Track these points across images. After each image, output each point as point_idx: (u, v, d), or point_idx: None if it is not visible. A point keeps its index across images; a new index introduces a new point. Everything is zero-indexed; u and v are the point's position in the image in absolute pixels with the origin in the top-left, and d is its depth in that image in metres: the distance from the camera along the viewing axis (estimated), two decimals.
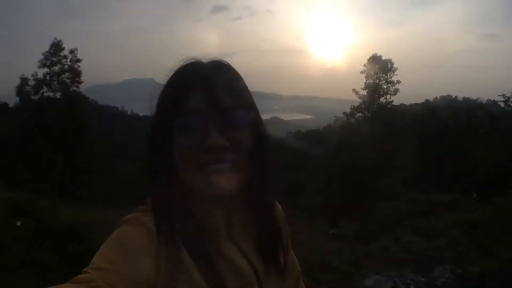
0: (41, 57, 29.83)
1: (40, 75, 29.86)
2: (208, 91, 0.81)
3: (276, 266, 0.94)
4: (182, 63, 0.87)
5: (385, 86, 28.28)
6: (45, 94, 30.01)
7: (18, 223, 8.15)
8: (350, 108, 29.85)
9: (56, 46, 30.01)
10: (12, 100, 32.94)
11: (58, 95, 30.06)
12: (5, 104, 39.61)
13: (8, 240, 6.93)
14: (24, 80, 29.91)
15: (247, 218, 0.92)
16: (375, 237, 9.45)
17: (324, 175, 25.58)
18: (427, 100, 44.33)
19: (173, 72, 0.87)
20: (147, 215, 0.82)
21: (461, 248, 7.45)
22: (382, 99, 28.31)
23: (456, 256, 7.07)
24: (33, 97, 29.82)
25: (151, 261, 0.74)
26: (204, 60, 0.88)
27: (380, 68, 28.47)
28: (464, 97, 57.10)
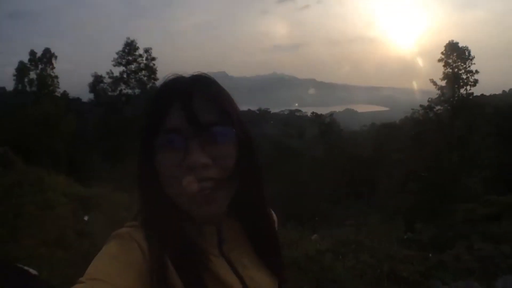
0: (115, 55, 31.63)
1: (116, 73, 31.76)
2: (187, 107, 0.79)
3: (281, 276, 0.96)
4: (164, 80, 0.86)
5: (464, 76, 26.38)
6: (124, 91, 31.87)
7: (86, 218, 8.33)
8: (428, 101, 28.16)
9: (130, 46, 31.77)
10: (85, 96, 35.45)
11: (136, 91, 31.83)
12: (79, 99, 42.82)
13: (71, 237, 7.12)
14: (98, 78, 32.04)
15: (242, 232, 0.93)
16: (449, 244, 9.05)
17: (401, 173, 24.55)
18: (504, 92, 40.72)
19: (157, 89, 0.86)
20: (138, 231, 0.81)
21: None
22: (462, 91, 26.43)
23: None
24: (110, 93, 31.81)
25: (142, 277, 0.74)
26: (185, 75, 0.86)
27: (458, 56, 26.61)
28: None
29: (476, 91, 27.03)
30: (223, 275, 0.84)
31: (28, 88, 31.02)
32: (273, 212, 1.03)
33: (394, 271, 6.56)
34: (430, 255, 7.70)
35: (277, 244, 0.98)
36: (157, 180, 0.81)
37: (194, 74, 0.86)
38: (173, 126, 0.79)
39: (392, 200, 22.55)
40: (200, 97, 0.80)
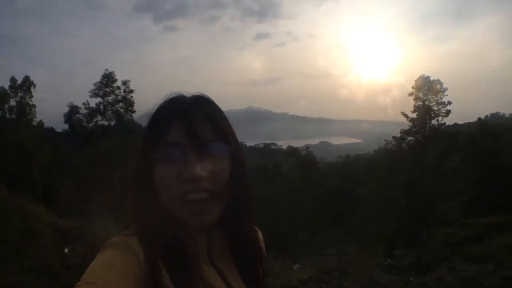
0: (92, 86, 31.16)
1: (92, 104, 31.33)
2: (188, 124, 0.86)
3: (262, 286, 0.99)
4: (165, 98, 0.93)
5: (435, 108, 27.29)
6: (100, 122, 31.44)
7: (66, 250, 8.29)
8: (400, 132, 28.94)
9: (108, 77, 31.36)
10: (59, 126, 34.90)
11: (112, 123, 31.36)
12: (52, 129, 42.08)
13: (56, 266, 7.12)
14: (74, 108, 31.57)
15: (227, 244, 0.97)
16: (430, 267, 9.22)
17: (377, 201, 24.91)
18: (479, 119, 42.40)
19: (157, 106, 0.92)
20: (132, 238, 0.85)
21: (508, 272, 7.27)
22: (433, 121, 27.32)
23: (502, 280, 6.94)
24: (85, 124, 31.35)
25: (137, 283, 0.77)
26: (186, 95, 0.93)
27: (429, 89, 27.54)
28: (510, 114, 54.70)
29: (452, 120, 27.80)
30: (214, 283, 0.88)
31: (8, 115, 30.49)
32: (259, 231, 1.09)
33: None
34: (411, 278, 7.80)
35: (258, 260, 1.01)
36: (154, 191, 0.86)
37: (195, 94, 0.94)
38: (173, 140, 0.85)
39: (370, 228, 22.75)
40: (199, 115, 0.88)
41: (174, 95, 0.93)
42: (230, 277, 0.92)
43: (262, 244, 1.09)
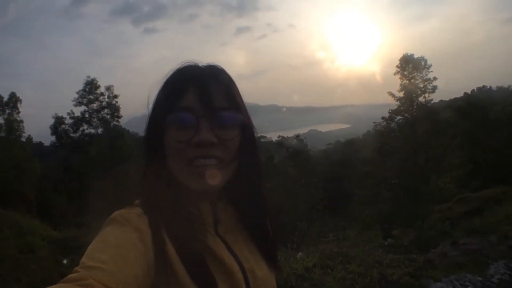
0: (75, 95, 30.87)
1: (77, 113, 30.99)
2: (202, 91, 0.86)
3: (274, 263, 0.99)
4: (180, 65, 0.93)
5: (422, 85, 27.36)
6: (86, 131, 31.08)
7: (65, 261, 8.23)
8: (389, 112, 29.05)
9: (91, 84, 31.10)
10: (47, 139, 34.47)
11: (99, 131, 31.11)
12: (41, 144, 41.50)
13: (56, 279, 7.10)
14: (59, 119, 31.19)
15: (236, 219, 0.95)
16: (432, 244, 9.23)
17: (372, 183, 24.94)
18: (465, 94, 42.70)
19: (171, 72, 0.92)
20: (132, 211, 0.83)
21: None
22: (421, 99, 27.41)
23: (508, 250, 7.02)
24: (72, 134, 30.97)
25: (139, 259, 0.75)
26: (200, 64, 0.94)
27: (414, 67, 27.63)
28: (497, 86, 55.20)
29: (439, 96, 28.03)
30: (220, 253, 0.87)
31: None
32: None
33: (384, 275, 6.57)
34: (414, 256, 7.76)
35: (270, 233, 1.01)
36: (163, 156, 0.87)
37: (209, 63, 0.94)
38: (187, 105, 0.85)
39: (367, 211, 22.76)
40: (213, 83, 0.88)
41: (188, 63, 0.93)
42: (237, 249, 0.91)
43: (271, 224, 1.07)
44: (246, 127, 0.91)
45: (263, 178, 1.00)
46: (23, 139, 30.94)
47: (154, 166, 0.88)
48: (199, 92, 0.86)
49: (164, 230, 0.82)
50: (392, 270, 6.83)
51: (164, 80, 0.92)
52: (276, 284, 1.01)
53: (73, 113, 31.19)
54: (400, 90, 27.83)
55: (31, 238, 9.05)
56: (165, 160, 0.87)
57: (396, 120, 28.31)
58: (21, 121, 30.88)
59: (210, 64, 0.94)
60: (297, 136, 42.53)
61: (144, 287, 0.74)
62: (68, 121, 31.22)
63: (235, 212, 0.96)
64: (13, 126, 30.19)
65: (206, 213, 0.91)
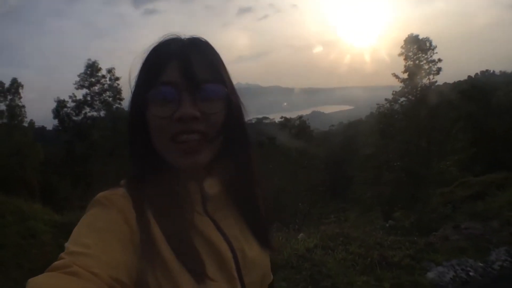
0: (77, 79, 30.64)
1: (79, 96, 30.79)
2: (183, 64, 0.82)
3: (266, 242, 0.96)
4: (161, 38, 0.89)
5: (426, 67, 27.03)
6: (88, 114, 30.93)
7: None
8: (392, 94, 28.78)
9: (92, 67, 30.78)
10: (50, 124, 34.38)
11: (101, 114, 30.98)
12: (43, 128, 41.47)
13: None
14: (61, 102, 31.04)
15: (227, 197, 0.92)
16: (433, 227, 9.26)
17: (373, 165, 24.94)
18: (469, 77, 42.29)
19: (152, 47, 0.88)
20: (116, 192, 0.82)
21: None
22: (425, 80, 27.13)
23: (510, 237, 6.99)
24: (74, 118, 30.86)
25: (124, 241, 0.73)
26: (183, 37, 0.90)
27: (419, 48, 27.23)
28: (500, 71, 54.66)
29: (441, 79, 27.74)
30: (208, 232, 0.85)
31: None
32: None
33: (385, 257, 6.61)
34: (415, 238, 7.77)
35: (261, 211, 0.98)
36: (146, 133, 0.84)
37: (192, 36, 0.90)
38: (169, 79, 0.82)
39: (368, 193, 22.82)
40: (196, 56, 0.84)
41: (170, 36, 0.89)
42: (226, 228, 0.89)
43: (265, 202, 1.02)
44: (231, 101, 0.87)
45: (252, 153, 0.96)
46: (25, 124, 30.86)
47: (139, 145, 0.86)
48: (181, 65, 0.83)
49: (149, 210, 0.80)
50: (393, 252, 6.86)
51: (146, 54, 0.87)
52: (269, 264, 0.99)
53: (75, 96, 31.00)
54: (404, 72, 27.51)
55: (33, 224, 9.07)
56: (149, 138, 0.84)
57: (399, 102, 28.09)
58: (23, 106, 30.80)
59: (193, 36, 0.91)
60: (300, 117, 42.42)
61: (131, 270, 0.72)
62: (70, 104, 31.01)
63: (225, 190, 0.92)
64: (15, 112, 30.15)
65: (193, 191, 0.88)
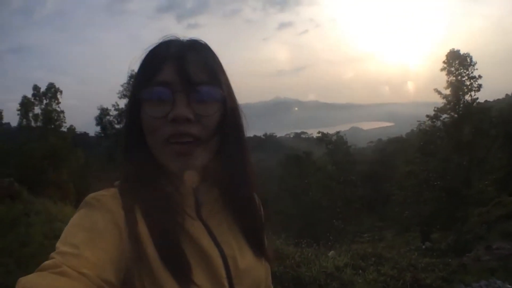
0: (120, 88, 31.68)
1: (121, 105, 31.76)
2: (180, 65, 0.82)
3: (261, 250, 0.94)
4: (160, 40, 0.89)
5: (468, 83, 26.28)
6: None
7: None
8: (434, 110, 28.02)
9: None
10: (92, 130, 35.80)
11: None
12: (85, 134, 42.99)
13: None
14: (104, 110, 32.27)
15: (222, 203, 0.91)
16: (468, 247, 9.04)
17: (413, 184, 24.21)
18: (507, 95, 40.68)
19: (150, 48, 0.88)
20: (106, 193, 0.82)
21: None
22: (467, 97, 26.30)
23: None
24: (116, 126, 31.85)
25: (112, 242, 0.73)
26: (181, 38, 0.89)
27: (460, 63, 26.59)
28: None
29: (480, 96, 26.96)
30: (199, 237, 0.83)
31: (33, 123, 31.25)
32: (256, 195, 1.01)
33: (417, 279, 6.53)
34: (449, 260, 7.64)
35: (258, 220, 0.97)
36: (141, 134, 0.83)
37: (191, 38, 0.90)
38: (164, 80, 0.81)
39: (406, 212, 22.12)
40: (193, 57, 0.83)
41: (169, 37, 0.89)
42: (219, 234, 0.87)
43: (261, 211, 1.01)
44: (227, 104, 0.85)
45: (249, 158, 0.93)
46: (64, 129, 31.80)
47: (134, 145, 0.86)
48: (177, 66, 0.82)
49: (139, 211, 0.79)
50: (426, 274, 6.82)
51: (144, 55, 0.87)
52: (265, 274, 0.96)
53: (118, 105, 32.22)
54: (447, 87, 26.80)
55: (59, 225, 9.33)
56: (144, 139, 0.83)
57: (441, 118, 27.28)
58: (61, 112, 31.72)
59: (192, 38, 0.90)
60: (337, 133, 42.00)
61: (118, 270, 0.72)
62: (113, 112, 32.29)
63: (221, 195, 0.91)
64: (52, 116, 31.34)
65: (187, 195, 0.87)
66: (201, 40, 0.91)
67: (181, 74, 0.81)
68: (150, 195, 0.82)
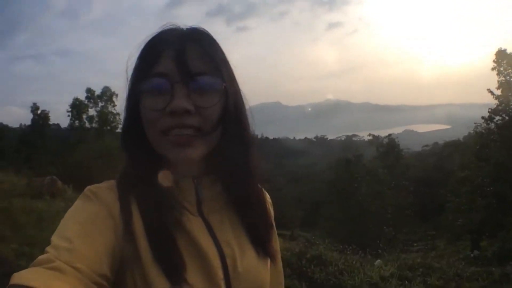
0: None
1: None
2: (178, 55, 0.79)
3: (265, 251, 0.90)
4: (159, 29, 0.86)
5: None
6: None
7: None
8: (488, 112, 26.70)
9: None
10: None
11: None
12: None
13: None
14: None
15: (223, 195, 0.88)
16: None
17: (467, 191, 23.20)
18: None
19: (149, 37, 0.84)
20: (103, 185, 0.82)
21: None
22: None
23: None
24: None
25: (107, 235, 0.73)
26: (182, 27, 0.86)
27: (508, 63, 25.32)
28: None
29: None
30: (197, 235, 0.81)
31: (88, 125, 32.49)
32: (266, 192, 1.00)
33: None
34: (493, 268, 7.54)
35: (264, 218, 0.94)
36: (139, 129, 0.82)
37: (192, 26, 0.87)
38: (162, 71, 0.79)
39: (460, 220, 21.24)
40: (192, 47, 0.81)
41: (168, 26, 0.86)
42: (220, 232, 0.84)
43: (270, 207, 0.99)
44: (229, 94, 0.82)
45: (252, 151, 0.89)
46: (120, 131, 33.60)
47: (133, 138, 0.85)
48: (175, 56, 0.79)
49: (136, 205, 0.79)
50: (470, 284, 6.69)
51: (142, 45, 0.84)
52: (268, 276, 0.90)
53: None
54: (498, 87, 25.57)
55: None
56: (143, 131, 0.82)
57: (495, 120, 26.00)
58: (117, 114, 32.67)
59: (193, 26, 0.87)
60: (389, 136, 40.95)
61: (113, 263, 0.72)
62: None
63: (224, 191, 0.88)
64: (108, 118, 32.52)
65: (187, 189, 0.85)
66: (202, 28, 0.87)
67: (179, 64, 0.78)
68: (147, 189, 0.80)
